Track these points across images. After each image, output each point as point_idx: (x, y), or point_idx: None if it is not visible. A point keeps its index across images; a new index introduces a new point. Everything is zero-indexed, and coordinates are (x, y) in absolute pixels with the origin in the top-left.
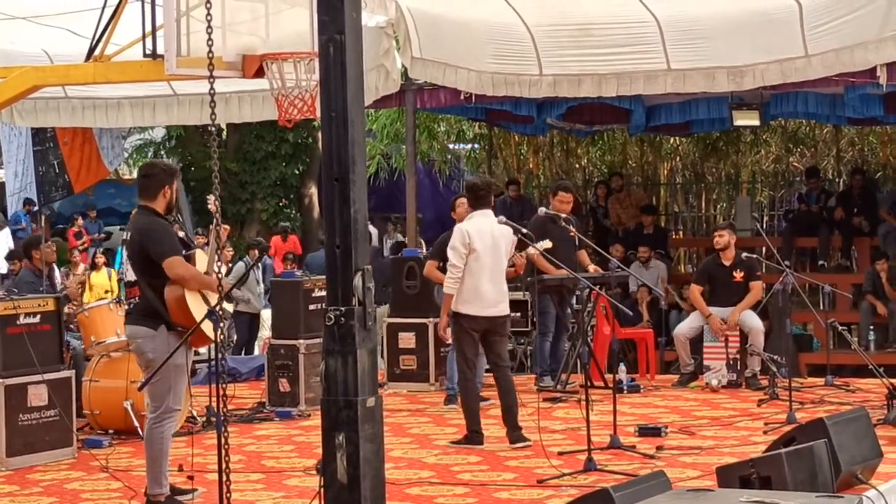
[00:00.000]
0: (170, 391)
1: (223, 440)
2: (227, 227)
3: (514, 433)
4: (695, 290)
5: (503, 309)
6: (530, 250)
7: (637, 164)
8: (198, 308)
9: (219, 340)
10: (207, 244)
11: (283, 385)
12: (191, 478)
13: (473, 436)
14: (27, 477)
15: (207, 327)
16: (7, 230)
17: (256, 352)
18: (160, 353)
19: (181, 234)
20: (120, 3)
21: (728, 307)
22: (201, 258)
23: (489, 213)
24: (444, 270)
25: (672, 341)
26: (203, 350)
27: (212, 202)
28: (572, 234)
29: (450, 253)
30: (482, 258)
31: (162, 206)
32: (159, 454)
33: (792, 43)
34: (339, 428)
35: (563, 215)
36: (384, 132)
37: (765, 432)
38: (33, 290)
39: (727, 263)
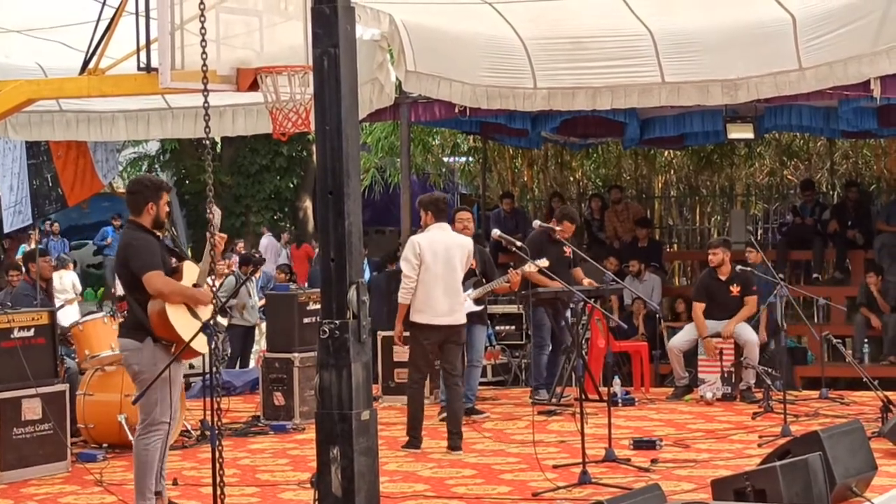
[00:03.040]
0: (156, 403)
1: (217, 454)
2: (224, 234)
3: (455, 440)
4: (697, 309)
5: (458, 318)
6: (526, 267)
7: (631, 177)
8: (182, 321)
9: (212, 353)
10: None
11: (278, 398)
12: (175, 482)
13: (413, 441)
14: (21, 491)
15: (194, 341)
16: (72, 273)
17: (251, 365)
18: (145, 366)
19: (170, 245)
20: (114, 16)
21: (725, 321)
22: (189, 270)
23: (446, 226)
24: None
25: (667, 354)
26: (197, 363)
27: (210, 211)
28: (567, 253)
29: (402, 264)
30: (432, 269)
31: (148, 222)
32: (143, 466)
33: (786, 56)
34: (333, 441)
35: (559, 228)
36: (378, 145)
37: (759, 445)
38: (29, 303)
39: (723, 278)
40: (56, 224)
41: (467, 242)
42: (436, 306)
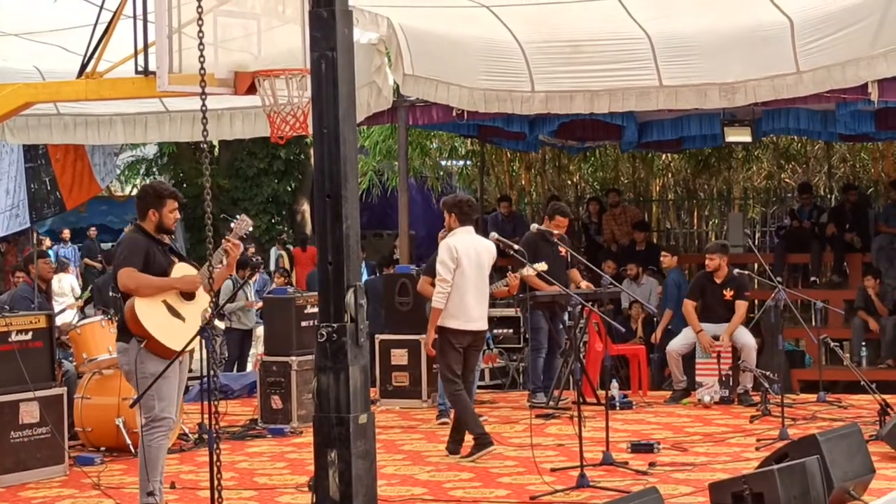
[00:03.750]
0: (154, 400)
1: (215, 457)
2: (238, 242)
3: (455, 446)
4: (688, 306)
5: (484, 324)
6: (524, 271)
7: (629, 180)
8: (154, 318)
9: (210, 357)
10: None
11: (276, 402)
12: (173, 486)
13: (482, 439)
14: (19, 495)
15: (165, 338)
16: (72, 276)
17: (248, 368)
18: (132, 366)
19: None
20: (112, 19)
21: (719, 323)
22: (180, 272)
23: (471, 229)
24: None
25: (665, 358)
26: (195, 367)
27: (238, 221)
28: (563, 253)
29: (439, 268)
30: (467, 273)
31: (151, 227)
32: (147, 462)
33: (783, 59)
34: (331, 445)
35: (556, 231)
36: (376, 149)
37: (757, 448)
38: (28, 305)
39: (718, 280)
40: (67, 231)
41: (493, 247)
42: (469, 312)
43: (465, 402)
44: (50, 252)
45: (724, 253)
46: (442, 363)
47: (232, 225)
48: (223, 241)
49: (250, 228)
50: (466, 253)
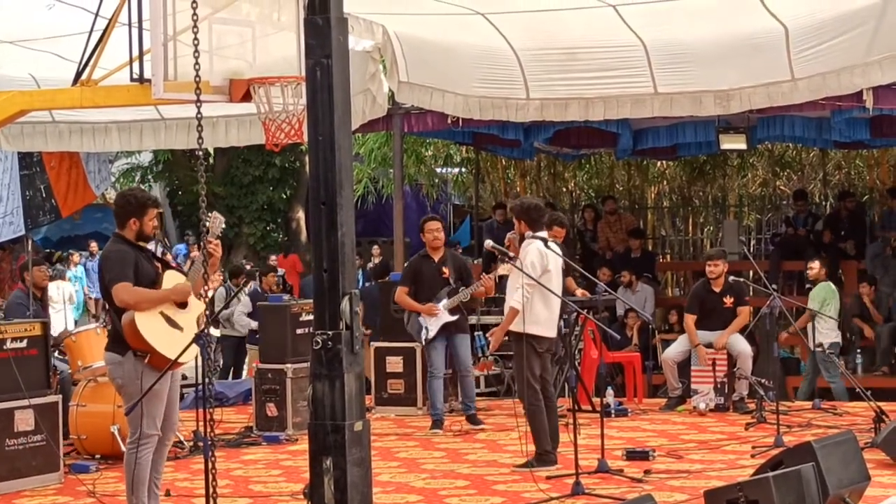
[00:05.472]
0: (143, 416)
1: (210, 465)
2: (218, 241)
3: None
4: (689, 320)
5: (556, 330)
6: (500, 270)
7: (624, 187)
8: (155, 331)
9: (205, 364)
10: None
11: (271, 409)
12: (168, 493)
13: (545, 456)
14: (14, 502)
15: (168, 350)
16: (69, 284)
17: (244, 376)
18: (128, 380)
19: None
20: (107, 27)
21: (718, 332)
22: (171, 280)
23: (545, 234)
24: (413, 296)
25: (660, 365)
26: (190, 374)
27: (210, 216)
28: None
29: (528, 269)
30: (554, 279)
31: (131, 235)
32: (135, 480)
33: (778, 67)
34: (326, 452)
35: (551, 239)
36: (371, 156)
37: (752, 456)
38: (22, 312)
39: (717, 289)
40: (94, 244)
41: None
42: (553, 318)
43: (542, 418)
44: (79, 267)
45: (725, 259)
46: (526, 369)
47: (207, 225)
48: (205, 242)
49: (223, 225)
50: (554, 258)
